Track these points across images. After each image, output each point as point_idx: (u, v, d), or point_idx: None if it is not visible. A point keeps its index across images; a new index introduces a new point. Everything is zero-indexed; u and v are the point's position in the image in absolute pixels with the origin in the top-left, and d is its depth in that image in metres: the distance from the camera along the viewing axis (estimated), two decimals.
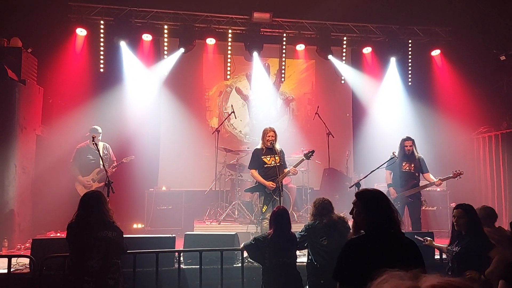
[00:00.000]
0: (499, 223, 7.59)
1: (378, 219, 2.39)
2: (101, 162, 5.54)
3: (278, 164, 5.89)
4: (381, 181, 7.03)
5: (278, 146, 6.08)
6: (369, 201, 2.49)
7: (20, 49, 6.75)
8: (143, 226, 7.57)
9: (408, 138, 6.44)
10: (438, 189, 7.88)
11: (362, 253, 2.31)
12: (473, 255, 3.43)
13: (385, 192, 2.77)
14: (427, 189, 7.60)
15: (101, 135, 6.84)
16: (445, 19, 8.90)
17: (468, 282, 0.94)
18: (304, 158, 5.98)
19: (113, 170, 6.93)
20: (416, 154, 6.41)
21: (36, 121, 7.13)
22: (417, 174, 6.39)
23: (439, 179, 6.17)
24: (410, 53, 9.35)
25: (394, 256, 2.24)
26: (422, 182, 6.41)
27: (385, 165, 5.95)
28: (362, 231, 2.48)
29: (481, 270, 3.28)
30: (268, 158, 5.99)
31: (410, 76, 9.40)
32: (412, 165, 6.34)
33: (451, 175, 6.08)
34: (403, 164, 6.33)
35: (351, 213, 2.62)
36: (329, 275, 3.69)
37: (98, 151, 5.52)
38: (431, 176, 6.32)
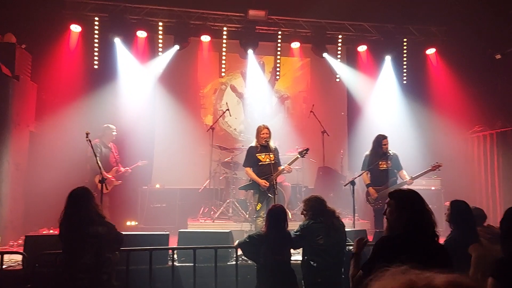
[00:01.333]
0: (494, 221, 7.67)
1: (412, 219, 2.40)
2: (97, 160, 5.43)
3: (272, 161, 5.90)
4: None
5: (272, 144, 6.09)
6: (403, 201, 2.50)
7: (14, 45, 6.69)
8: (136, 223, 7.54)
9: (385, 136, 6.39)
10: (433, 188, 7.93)
11: (392, 250, 2.34)
12: (456, 248, 3.38)
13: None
14: (422, 187, 7.69)
15: (115, 132, 6.98)
16: (441, 18, 8.92)
17: (471, 281, 0.93)
18: (299, 156, 6.01)
19: (130, 170, 7.07)
20: (390, 151, 6.37)
21: (30, 118, 7.08)
22: (395, 171, 6.37)
23: (411, 178, 6.14)
24: (405, 51, 9.36)
25: (423, 258, 2.20)
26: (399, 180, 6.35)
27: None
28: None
29: (466, 264, 3.27)
30: (263, 156, 6.01)
31: (405, 74, 9.41)
32: (389, 162, 6.30)
33: (430, 168, 6.09)
34: (380, 162, 6.25)
35: (384, 213, 2.63)
36: (327, 274, 3.72)
37: (93, 149, 5.46)
38: (405, 173, 6.30)
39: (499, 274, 2.24)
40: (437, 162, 6.10)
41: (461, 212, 3.62)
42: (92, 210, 3.58)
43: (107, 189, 5.42)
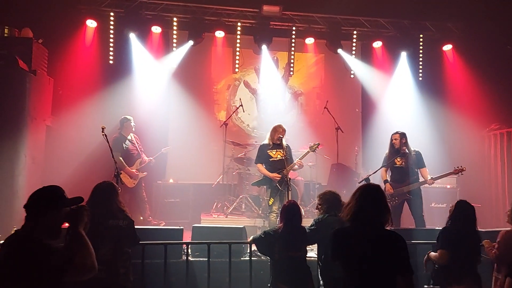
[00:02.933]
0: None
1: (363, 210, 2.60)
2: (113, 155, 5.44)
3: (284, 157, 5.97)
4: None
5: (284, 142, 6.20)
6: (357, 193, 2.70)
7: (31, 39, 6.75)
8: (150, 218, 7.57)
9: (396, 132, 6.33)
10: (448, 186, 7.83)
11: (348, 240, 2.58)
12: (454, 239, 3.60)
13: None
14: (437, 186, 7.60)
15: (134, 126, 7.06)
16: (458, 14, 8.76)
17: None
18: (310, 150, 6.16)
19: (154, 160, 7.20)
20: (409, 148, 6.26)
21: (46, 112, 7.15)
22: (415, 169, 6.27)
23: (431, 178, 6.07)
24: (421, 48, 9.21)
25: (378, 246, 2.50)
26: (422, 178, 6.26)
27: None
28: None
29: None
30: (274, 152, 6.14)
31: (421, 71, 9.27)
32: (404, 159, 6.21)
33: (452, 171, 6.02)
34: (397, 159, 6.22)
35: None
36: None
37: (109, 144, 5.45)
38: (427, 172, 6.22)
39: None
40: (460, 166, 6.00)
41: (464, 209, 3.75)
42: (114, 205, 3.64)
43: (122, 184, 5.44)
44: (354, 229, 2.61)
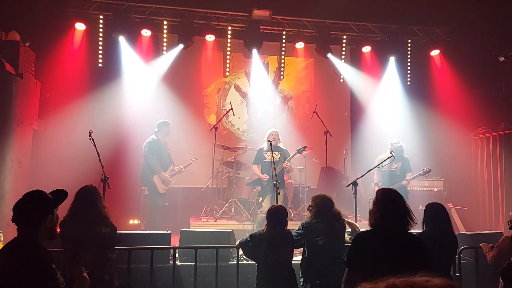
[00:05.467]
0: (496, 223, 7.67)
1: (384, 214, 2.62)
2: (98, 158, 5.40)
3: (277, 159, 6.29)
4: None
5: (282, 146, 6.75)
6: (377, 197, 2.73)
7: (18, 42, 6.70)
8: (138, 222, 7.54)
9: (398, 141, 6.98)
10: (435, 189, 7.91)
11: (370, 244, 2.59)
12: (433, 244, 3.50)
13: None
14: (424, 189, 7.79)
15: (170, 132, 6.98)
16: (445, 20, 8.88)
17: (426, 280, 0.95)
18: (297, 152, 6.61)
19: (184, 168, 7.07)
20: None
21: (33, 116, 7.09)
22: (401, 173, 6.82)
23: (405, 179, 6.70)
24: (409, 52, 9.33)
25: (400, 250, 2.50)
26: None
27: (383, 164, 6.01)
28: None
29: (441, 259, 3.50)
30: (268, 154, 6.43)
31: (409, 75, 9.38)
32: (394, 164, 6.76)
33: (421, 172, 6.65)
34: (393, 164, 6.69)
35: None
36: (324, 276, 3.71)
37: (96, 147, 5.40)
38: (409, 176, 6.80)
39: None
40: (427, 168, 6.65)
41: (437, 212, 3.72)
42: (100, 210, 3.60)
43: (109, 188, 5.39)
44: (377, 233, 2.64)
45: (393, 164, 6.67)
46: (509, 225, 4.04)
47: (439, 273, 1.06)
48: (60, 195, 2.42)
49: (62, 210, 3.66)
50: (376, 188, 6.38)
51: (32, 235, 2.31)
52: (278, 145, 6.60)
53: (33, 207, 2.36)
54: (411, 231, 2.73)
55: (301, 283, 3.88)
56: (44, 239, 2.27)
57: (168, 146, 7.04)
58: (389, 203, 2.64)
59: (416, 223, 2.76)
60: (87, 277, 2.31)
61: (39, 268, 2.16)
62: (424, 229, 3.68)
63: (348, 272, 2.59)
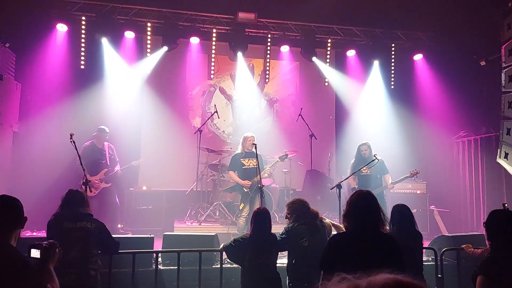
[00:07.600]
0: (478, 224, 7.77)
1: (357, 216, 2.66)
2: (80, 161, 5.33)
3: (256, 166, 6.12)
4: None
5: (255, 151, 6.39)
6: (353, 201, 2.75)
7: None
8: (121, 226, 7.42)
9: (364, 143, 6.81)
10: (418, 192, 7.99)
11: (344, 245, 2.62)
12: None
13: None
14: (407, 191, 7.88)
15: (108, 135, 7.10)
16: (428, 24, 9.01)
17: (411, 280, 0.95)
18: (279, 160, 6.67)
19: (121, 171, 7.14)
20: (377, 156, 6.45)
21: (13, 118, 6.95)
22: (378, 176, 6.69)
23: (391, 183, 6.56)
24: (393, 56, 9.44)
25: (373, 250, 2.52)
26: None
27: (367, 167, 6.06)
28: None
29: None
30: (247, 161, 6.46)
31: (392, 79, 9.49)
32: (370, 168, 6.43)
33: (408, 174, 6.51)
34: (363, 168, 6.38)
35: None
36: (312, 277, 3.69)
37: (77, 151, 5.34)
38: (389, 178, 6.67)
39: (488, 271, 2.41)
40: (415, 169, 6.50)
41: (403, 213, 3.82)
42: (82, 210, 3.65)
43: (91, 192, 5.33)
44: (350, 234, 2.69)
45: (364, 168, 6.30)
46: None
47: (410, 272, 1.06)
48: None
49: (46, 214, 3.64)
50: None
51: (6, 240, 2.25)
52: (254, 150, 6.15)
53: (16, 212, 2.39)
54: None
55: (288, 285, 3.86)
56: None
57: (109, 150, 7.09)
58: (361, 205, 2.68)
59: (387, 222, 2.83)
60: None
61: (16, 265, 2.10)
62: (390, 229, 3.73)
63: (323, 275, 2.61)
